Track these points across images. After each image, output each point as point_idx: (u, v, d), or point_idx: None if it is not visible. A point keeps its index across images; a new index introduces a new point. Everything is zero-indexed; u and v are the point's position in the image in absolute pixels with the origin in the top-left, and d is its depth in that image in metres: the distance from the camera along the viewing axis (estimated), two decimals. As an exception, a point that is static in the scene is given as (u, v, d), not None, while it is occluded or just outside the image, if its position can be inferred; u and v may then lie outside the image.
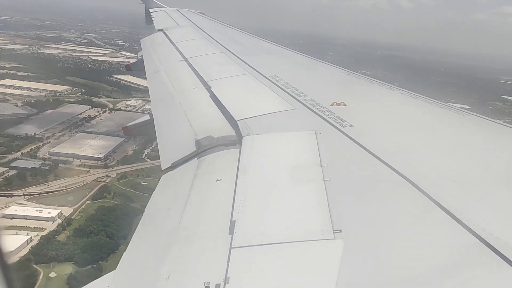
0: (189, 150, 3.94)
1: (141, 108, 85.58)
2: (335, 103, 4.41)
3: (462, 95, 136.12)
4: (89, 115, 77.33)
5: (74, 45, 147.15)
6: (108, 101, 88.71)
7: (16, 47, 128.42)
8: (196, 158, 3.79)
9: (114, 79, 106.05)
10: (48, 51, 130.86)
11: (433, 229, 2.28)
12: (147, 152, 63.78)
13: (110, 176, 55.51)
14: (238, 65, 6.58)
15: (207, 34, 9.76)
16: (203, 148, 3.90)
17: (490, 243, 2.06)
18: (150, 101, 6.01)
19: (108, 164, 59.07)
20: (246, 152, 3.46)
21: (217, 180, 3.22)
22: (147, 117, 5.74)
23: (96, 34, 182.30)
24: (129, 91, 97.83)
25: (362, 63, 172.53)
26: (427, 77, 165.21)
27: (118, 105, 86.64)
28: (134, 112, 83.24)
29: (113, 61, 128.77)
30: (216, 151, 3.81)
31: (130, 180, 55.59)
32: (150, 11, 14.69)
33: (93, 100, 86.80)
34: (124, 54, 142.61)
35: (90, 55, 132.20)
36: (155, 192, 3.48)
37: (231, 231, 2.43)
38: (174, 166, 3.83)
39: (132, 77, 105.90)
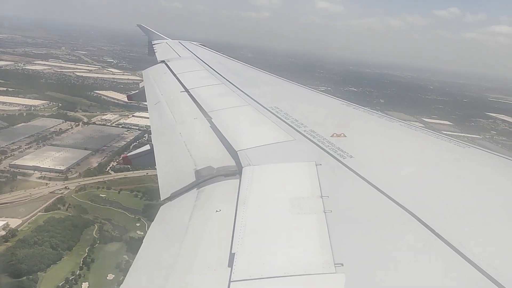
0: (188, 180, 3.94)
1: (116, 122, 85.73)
2: (335, 134, 4.43)
3: (446, 112, 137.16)
4: (60, 129, 77.16)
5: (62, 62, 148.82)
6: (84, 115, 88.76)
7: (1, 63, 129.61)
8: (195, 189, 3.77)
9: (95, 94, 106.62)
10: (33, 67, 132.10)
11: (437, 263, 2.24)
12: (113, 165, 63.38)
13: (68, 188, 54.95)
14: (239, 96, 6.66)
15: (208, 66, 9.91)
16: (203, 178, 3.89)
17: (495, 278, 2.03)
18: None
19: (70, 177, 58.53)
20: (246, 183, 3.43)
21: (216, 211, 3.19)
22: (147, 147, 5.73)
23: (86, 52, 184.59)
24: (107, 105, 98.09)
25: (351, 81, 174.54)
26: (414, 94, 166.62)
27: (94, 119, 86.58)
28: (108, 126, 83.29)
29: (97, 77, 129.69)
30: (216, 181, 3.79)
31: (88, 192, 55.02)
32: (153, 43, 15.13)
33: (68, 114, 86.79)
34: (111, 71, 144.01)
35: (75, 71, 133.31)
36: (154, 222, 3.42)
37: (231, 263, 2.39)
38: (173, 196, 3.81)
39: (113, 92, 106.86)
